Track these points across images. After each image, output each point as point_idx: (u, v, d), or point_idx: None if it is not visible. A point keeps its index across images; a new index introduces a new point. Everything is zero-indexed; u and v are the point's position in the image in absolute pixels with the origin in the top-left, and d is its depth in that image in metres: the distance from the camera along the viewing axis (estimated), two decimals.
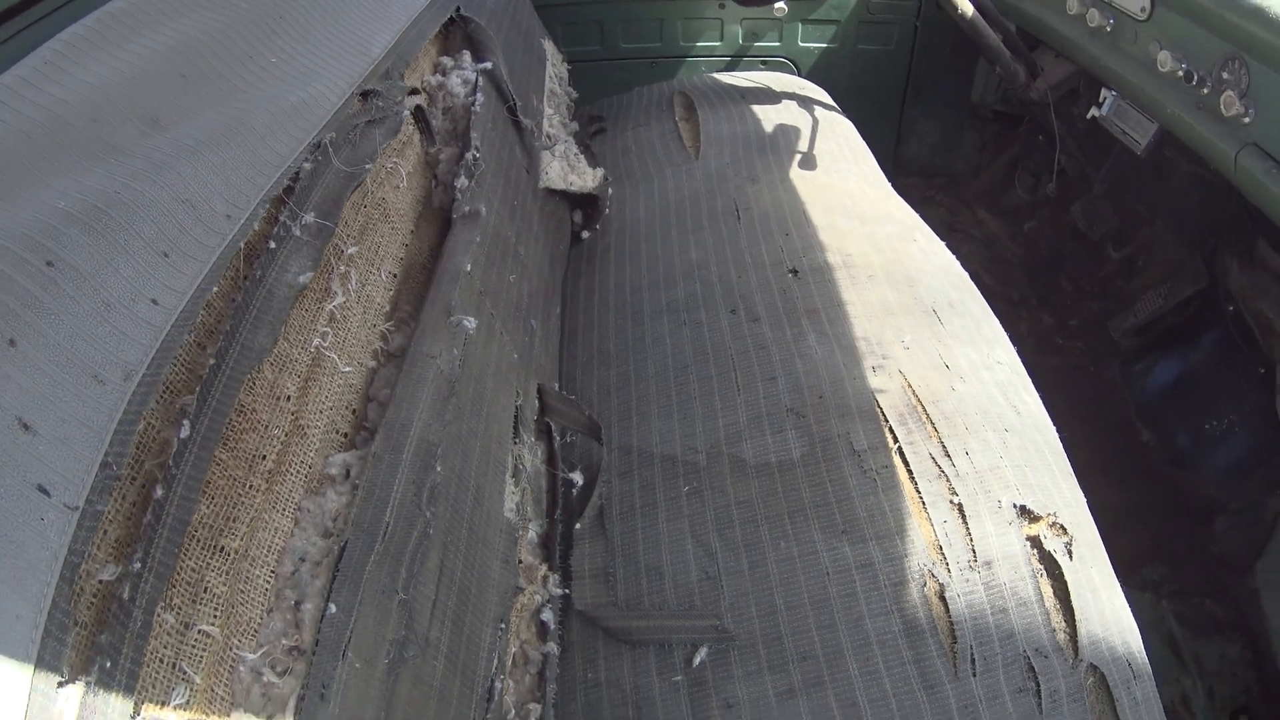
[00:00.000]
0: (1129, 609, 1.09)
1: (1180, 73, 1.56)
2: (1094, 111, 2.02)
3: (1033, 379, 1.40)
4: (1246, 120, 1.42)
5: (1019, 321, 2.50)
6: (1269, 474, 1.85)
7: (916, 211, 1.77)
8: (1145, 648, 1.07)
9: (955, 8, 1.94)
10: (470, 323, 0.94)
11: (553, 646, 1.04)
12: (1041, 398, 1.36)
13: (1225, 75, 1.48)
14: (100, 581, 0.54)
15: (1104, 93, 1.99)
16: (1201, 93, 1.53)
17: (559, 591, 1.08)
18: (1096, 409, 2.20)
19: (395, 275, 1.00)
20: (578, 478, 1.19)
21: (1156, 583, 1.86)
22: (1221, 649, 1.75)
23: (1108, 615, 1.06)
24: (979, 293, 1.56)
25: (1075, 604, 1.04)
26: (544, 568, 1.09)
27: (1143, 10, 1.70)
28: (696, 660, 1.00)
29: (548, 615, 1.06)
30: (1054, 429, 1.31)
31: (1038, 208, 2.74)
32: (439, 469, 0.80)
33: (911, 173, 2.98)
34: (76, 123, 0.73)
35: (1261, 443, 1.89)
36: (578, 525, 1.15)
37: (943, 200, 2.98)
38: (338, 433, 0.80)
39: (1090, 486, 1.94)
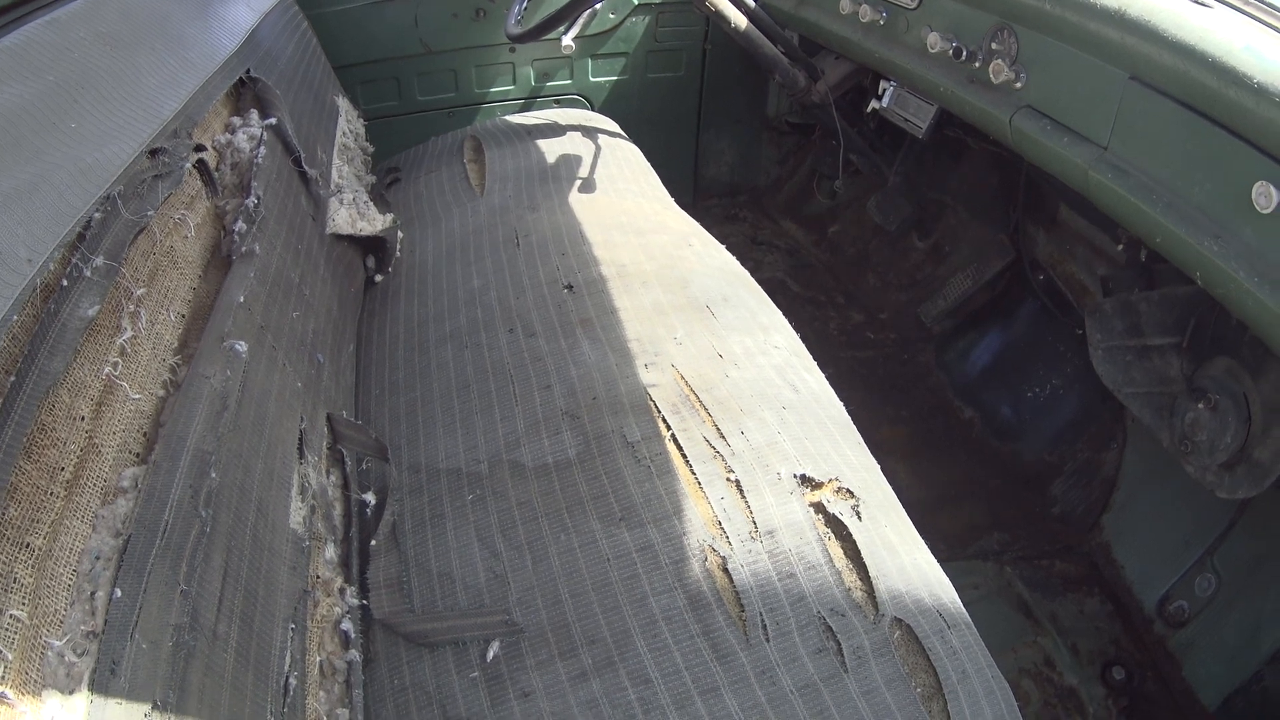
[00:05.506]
0: (935, 562, 1.16)
1: (950, 51, 1.70)
2: (874, 104, 2.14)
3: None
4: (1018, 85, 1.55)
5: (828, 322, 2.64)
6: (1098, 431, 1.99)
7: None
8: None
9: (727, 20, 2.07)
10: (241, 347, 1.10)
11: (355, 654, 1.13)
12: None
13: (995, 46, 1.61)
14: None
15: (883, 85, 2.13)
16: (973, 66, 1.67)
17: (356, 602, 1.19)
18: (914, 394, 2.32)
19: (184, 316, 1.15)
20: (370, 499, 1.31)
21: (997, 551, 1.95)
22: (1078, 605, 1.84)
23: (909, 570, 1.13)
24: (757, 286, 1.68)
25: (868, 562, 1.11)
26: (340, 580, 1.20)
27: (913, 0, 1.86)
28: (490, 654, 1.09)
29: (348, 625, 1.15)
30: (839, 404, 1.41)
31: (840, 211, 2.91)
32: (214, 476, 0.95)
33: (714, 193, 3.14)
34: None
35: (1086, 402, 2.03)
36: (373, 542, 1.25)
37: (747, 216, 3.15)
38: (130, 452, 0.95)
39: (917, 468, 2.12)
